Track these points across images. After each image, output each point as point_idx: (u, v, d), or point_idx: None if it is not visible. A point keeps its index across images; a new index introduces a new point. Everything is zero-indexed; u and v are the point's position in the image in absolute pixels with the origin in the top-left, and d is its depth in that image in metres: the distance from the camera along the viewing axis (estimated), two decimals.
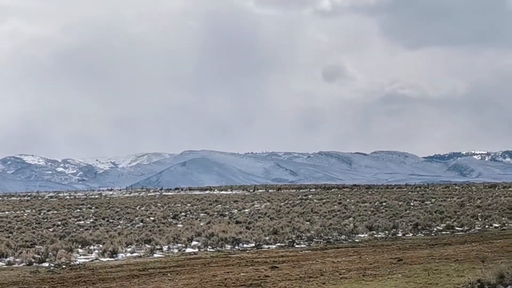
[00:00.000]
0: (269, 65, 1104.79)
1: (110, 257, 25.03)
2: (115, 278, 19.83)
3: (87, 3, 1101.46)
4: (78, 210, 60.47)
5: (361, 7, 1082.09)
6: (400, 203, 60.12)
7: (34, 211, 60.92)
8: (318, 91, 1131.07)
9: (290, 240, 29.49)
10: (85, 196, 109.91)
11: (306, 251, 26.18)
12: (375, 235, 32.10)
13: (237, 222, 38.34)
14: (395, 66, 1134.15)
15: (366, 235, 32.23)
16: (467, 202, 57.64)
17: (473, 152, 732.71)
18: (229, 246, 27.98)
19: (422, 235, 32.20)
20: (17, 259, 24.07)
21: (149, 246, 27.30)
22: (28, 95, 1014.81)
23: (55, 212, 58.34)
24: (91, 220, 45.91)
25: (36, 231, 35.99)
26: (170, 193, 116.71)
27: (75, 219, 47.11)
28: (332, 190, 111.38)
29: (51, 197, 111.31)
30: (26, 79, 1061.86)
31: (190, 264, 22.70)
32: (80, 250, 26.71)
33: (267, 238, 29.88)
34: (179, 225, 38.35)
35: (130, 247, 27.23)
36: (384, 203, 59.72)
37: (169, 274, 20.25)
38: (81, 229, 36.65)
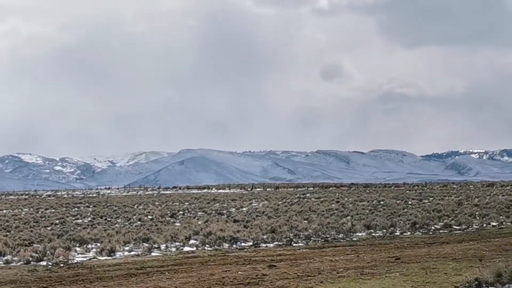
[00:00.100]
0: (267, 64, 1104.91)
1: (108, 256, 25.02)
2: (113, 276, 19.83)
3: (86, 2, 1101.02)
4: (76, 209, 60.47)
5: (359, 5, 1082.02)
6: (398, 201, 60.18)
7: (32, 209, 60.93)
8: (316, 90, 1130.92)
9: (288, 238, 29.50)
10: (83, 195, 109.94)
11: (304, 250, 26.18)
12: (373, 234, 32.10)
13: (235, 221, 38.35)
14: (393, 65, 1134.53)
15: (364, 233, 32.25)
16: (465, 201, 57.69)
17: (471, 151, 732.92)
18: (227, 245, 27.98)
19: (420, 234, 32.21)
20: (15, 258, 24.07)
21: (147, 244, 27.30)
22: (26, 94, 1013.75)
23: (53, 210, 58.34)
24: (89, 219, 45.92)
25: (34, 229, 36.00)
26: (168, 192, 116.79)
27: (73, 218, 47.12)
28: (330, 188, 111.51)
29: (49, 195, 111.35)
30: (24, 78, 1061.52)
31: (188, 262, 22.70)
32: (78, 249, 26.71)
33: (265, 236, 29.88)
34: (177, 224, 38.36)
35: (128, 246, 27.23)
36: (382, 202, 59.76)
37: (167, 273, 20.24)
38: (79, 228, 36.65)
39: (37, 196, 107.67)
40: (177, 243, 28.27)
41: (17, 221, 43.78)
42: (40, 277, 20.17)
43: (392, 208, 49.35)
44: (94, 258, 24.69)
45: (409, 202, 59.06)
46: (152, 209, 56.26)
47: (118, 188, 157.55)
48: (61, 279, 19.54)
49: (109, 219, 45.48)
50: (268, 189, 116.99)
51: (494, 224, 36.62)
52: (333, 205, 56.69)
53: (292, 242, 28.77)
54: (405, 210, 46.46)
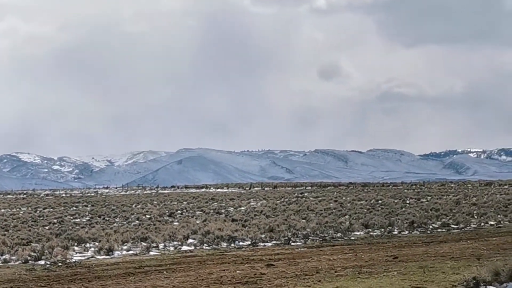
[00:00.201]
0: (266, 63, 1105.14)
1: (106, 255, 25.03)
2: (111, 275, 19.84)
3: (85, 2, 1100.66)
4: (74, 208, 60.44)
5: (357, 5, 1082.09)
6: (396, 201, 60.19)
7: (30, 209, 60.90)
8: (314, 89, 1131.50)
9: (286, 238, 29.51)
10: (81, 194, 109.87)
11: (302, 249, 26.19)
12: (371, 233, 32.12)
13: (233, 220, 38.36)
14: (392, 64, 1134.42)
15: (362, 232, 32.26)
16: (463, 200, 57.72)
17: (468, 150, 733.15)
18: (225, 244, 27.99)
19: (418, 233, 32.24)
20: (13, 257, 24.07)
21: (145, 244, 27.29)
22: (25, 93, 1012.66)
23: (51, 210, 58.31)
24: (87, 218, 45.92)
25: (32, 229, 36.00)
26: (166, 191, 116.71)
27: (71, 217, 47.11)
28: (328, 188, 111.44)
29: (47, 195, 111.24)
30: (22, 77, 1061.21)
31: (186, 262, 22.71)
32: (76, 248, 26.71)
33: (263, 236, 29.89)
34: (175, 223, 38.37)
35: (126, 245, 27.24)
36: (380, 201, 59.77)
37: (165, 272, 20.26)
38: (77, 227, 36.66)
39: (35, 195, 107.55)
40: (175, 242, 28.28)
41: (15, 220, 43.75)
42: (38, 276, 20.18)
43: (390, 207, 49.37)
44: (92, 257, 24.69)
45: (407, 201, 59.07)
46: (150, 208, 56.26)
47: (116, 188, 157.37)
48: (59, 278, 19.55)
49: (107, 218, 45.47)
50: (266, 188, 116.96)
51: (492, 223, 36.64)
52: (331, 204, 56.70)
53: (290, 241, 28.78)
54: (403, 209, 46.47)
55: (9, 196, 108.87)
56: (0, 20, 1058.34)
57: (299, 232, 31.24)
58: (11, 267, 22.40)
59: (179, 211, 51.24)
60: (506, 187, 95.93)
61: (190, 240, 28.86)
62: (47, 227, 37.50)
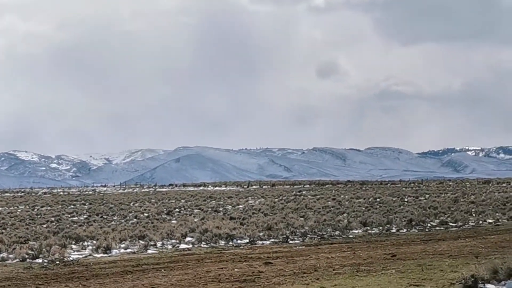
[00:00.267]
0: (264, 61, 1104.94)
1: (104, 253, 25.00)
2: (109, 274, 19.81)
3: (83, 0, 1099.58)
4: (72, 206, 60.39)
5: (355, 3, 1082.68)
6: (394, 199, 60.22)
7: (27, 207, 60.86)
8: (312, 87, 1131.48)
9: (284, 236, 29.49)
10: (79, 192, 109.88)
11: (300, 247, 26.18)
12: (369, 231, 32.11)
13: (231, 218, 38.34)
14: (390, 62, 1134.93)
15: (360, 231, 32.25)
16: (461, 198, 57.75)
17: (467, 148, 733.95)
18: (223, 242, 27.97)
19: (416, 231, 32.23)
20: (11, 255, 24.03)
21: (143, 242, 27.27)
22: (22, 92, 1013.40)
23: (49, 208, 58.27)
24: (85, 216, 45.86)
25: (29, 227, 35.95)
26: (164, 189, 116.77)
27: (69, 215, 47.07)
28: (326, 186, 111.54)
29: (45, 193, 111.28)
30: (20, 76, 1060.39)
31: (184, 260, 22.69)
32: (73, 246, 26.67)
33: (261, 234, 29.87)
34: (173, 221, 38.33)
35: (124, 243, 27.20)
36: (378, 199, 59.80)
37: (163, 270, 20.23)
38: (75, 225, 36.62)
39: (33, 194, 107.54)
40: (173, 241, 28.25)
41: (12, 218, 43.70)
42: (36, 274, 20.14)
43: (388, 205, 49.37)
44: (90, 255, 24.66)
45: (405, 199, 59.09)
46: (148, 206, 56.23)
47: (114, 186, 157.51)
48: (57, 277, 19.52)
49: (105, 216, 45.43)
50: (264, 187, 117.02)
51: (490, 221, 36.64)
52: (329, 202, 56.69)
53: (288, 239, 28.77)
54: (401, 207, 46.48)
55: (6, 194, 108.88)
56: None
57: (297, 230, 31.22)
58: (8, 265, 22.36)
59: (177, 209, 51.21)
60: (504, 185, 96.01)
61: (188, 238, 28.83)
62: (44, 225, 37.45)
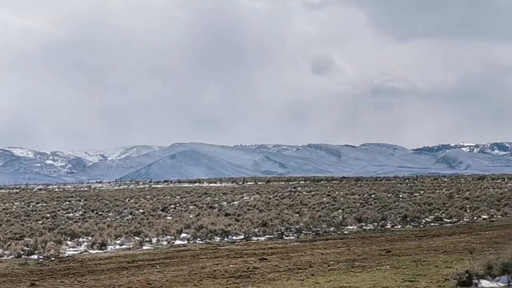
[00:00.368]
0: (258, 57, 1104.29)
1: (99, 249, 25.02)
2: (104, 270, 19.83)
3: None
4: (67, 203, 60.40)
5: None
6: (389, 195, 60.30)
7: (23, 203, 60.84)
8: (306, 83, 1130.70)
9: (279, 232, 29.52)
10: (74, 189, 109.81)
11: (295, 243, 26.21)
12: (364, 227, 32.16)
13: (226, 215, 38.36)
14: (384, 58, 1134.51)
15: (355, 227, 32.29)
16: (456, 194, 57.87)
17: (461, 144, 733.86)
18: (218, 238, 27.99)
19: (411, 227, 32.29)
20: (6, 252, 24.03)
21: (138, 238, 27.28)
22: (17, 88, 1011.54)
23: (44, 204, 58.27)
24: (80, 213, 45.88)
25: (25, 223, 35.96)
26: (159, 186, 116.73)
27: (64, 212, 47.09)
28: (321, 182, 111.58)
29: (40, 189, 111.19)
30: (15, 72, 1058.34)
31: (179, 256, 22.70)
32: (69, 243, 26.68)
33: (256, 230, 29.89)
34: (168, 218, 38.36)
35: (119, 240, 27.22)
36: (373, 195, 59.87)
37: (158, 266, 20.25)
38: (70, 222, 36.63)
39: (28, 190, 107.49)
40: (168, 237, 28.27)
41: (8, 215, 43.70)
42: (31, 270, 20.15)
43: (383, 201, 49.45)
44: (85, 251, 24.68)
45: (400, 196, 59.18)
46: (144, 203, 56.24)
47: (109, 182, 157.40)
48: (52, 273, 19.53)
49: (100, 212, 45.45)
50: (259, 183, 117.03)
51: (485, 217, 36.73)
52: (324, 198, 56.77)
53: (283, 236, 28.80)
54: (396, 203, 46.54)
55: (2, 190, 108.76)
56: None
57: (292, 226, 31.26)
58: (4, 261, 22.35)
59: (172, 206, 51.24)
60: (498, 181, 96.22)
61: (183, 235, 28.86)
62: (40, 222, 37.47)
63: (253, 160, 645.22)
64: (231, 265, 19.84)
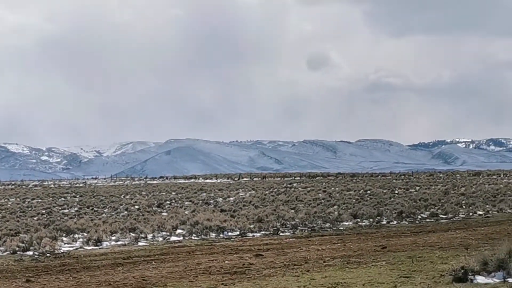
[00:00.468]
0: (254, 53, 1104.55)
1: (95, 246, 25.00)
2: (100, 266, 19.81)
3: None
4: (63, 199, 60.33)
5: None
6: (384, 191, 60.31)
7: (18, 199, 60.76)
8: (302, 79, 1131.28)
9: (275, 228, 29.52)
10: (69, 185, 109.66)
11: (290, 239, 26.21)
12: (360, 223, 32.17)
13: (222, 211, 38.36)
14: (380, 54, 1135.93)
15: (350, 223, 32.30)
16: (451, 190, 57.88)
17: (457, 140, 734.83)
18: (213, 234, 27.99)
19: (407, 223, 32.30)
20: (1, 248, 24.00)
21: (133, 234, 27.26)
22: (12, 84, 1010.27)
23: (40, 200, 58.19)
24: (76, 209, 45.83)
25: (20, 219, 35.91)
26: (154, 182, 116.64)
27: (60, 208, 47.03)
28: (317, 178, 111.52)
29: (36, 185, 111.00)
30: (9, 68, 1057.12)
31: (175, 252, 22.70)
32: (64, 239, 26.66)
33: (251, 226, 29.90)
34: (163, 214, 38.34)
35: (114, 236, 27.19)
36: (368, 191, 59.88)
37: (153, 262, 20.24)
38: (65, 218, 36.59)
39: (24, 186, 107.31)
40: (164, 233, 28.26)
41: (3, 211, 43.64)
42: (27, 266, 20.12)
43: (378, 197, 49.46)
44: (80, 247, 24.66)
45: (396, 191, 59.17)
46: (139, 199, 56.19)
47: (105, 178, 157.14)
48: (47, 269, 19.50)
49: (95, 209, 45.40)
50: (255, 179, 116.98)
51: (480, 213, 36.75)
52: (320, 194, 56.77)
53: (279, 232, 28.79)
54: (392, 199, 46.57)
55: None
56: None
57: (288, 223, 31.26)
58: None
59: (167, 202, 51.20)
60: (494, 177, 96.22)
61: (178, 231, 28.85)
62: (35, 218, 37.42)
63: (249, 156, 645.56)
64: (226, 261, 19.84)
